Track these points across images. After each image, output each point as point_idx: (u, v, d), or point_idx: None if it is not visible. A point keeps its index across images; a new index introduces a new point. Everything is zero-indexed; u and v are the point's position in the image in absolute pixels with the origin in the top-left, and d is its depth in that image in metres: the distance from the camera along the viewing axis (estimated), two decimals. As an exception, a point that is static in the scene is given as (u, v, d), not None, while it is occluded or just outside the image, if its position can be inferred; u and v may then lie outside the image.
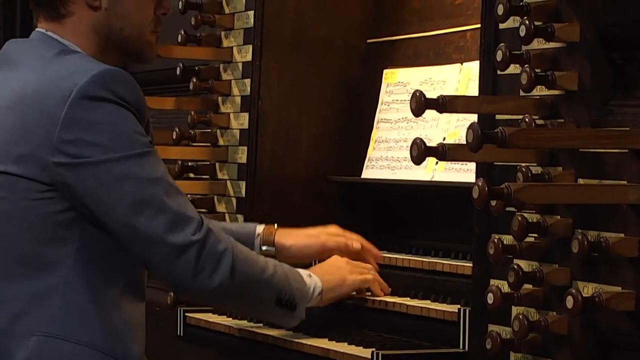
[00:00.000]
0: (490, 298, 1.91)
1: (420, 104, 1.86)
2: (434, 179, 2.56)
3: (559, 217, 1.90)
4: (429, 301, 2.34)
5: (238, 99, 2.86)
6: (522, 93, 1.96)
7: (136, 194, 2.01)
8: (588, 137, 1.83)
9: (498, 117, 2.03)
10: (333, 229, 2.51)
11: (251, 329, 2.48)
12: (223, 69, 2.90)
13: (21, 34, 3.82)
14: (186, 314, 2.66)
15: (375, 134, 2.79)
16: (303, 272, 2.30)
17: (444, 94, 1.90)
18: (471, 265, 2.10)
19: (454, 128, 2.56)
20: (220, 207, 2.87)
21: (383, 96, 2.80)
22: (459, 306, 2.19)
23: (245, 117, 2.82)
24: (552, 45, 1.94)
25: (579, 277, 1.87)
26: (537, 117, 1.95)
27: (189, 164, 2.88)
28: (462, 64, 2.59)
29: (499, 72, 2.01)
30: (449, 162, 2.51)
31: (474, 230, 2.06)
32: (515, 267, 1.90)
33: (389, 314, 2.35)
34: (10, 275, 2.05)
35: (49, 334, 2.03)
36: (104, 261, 2.07)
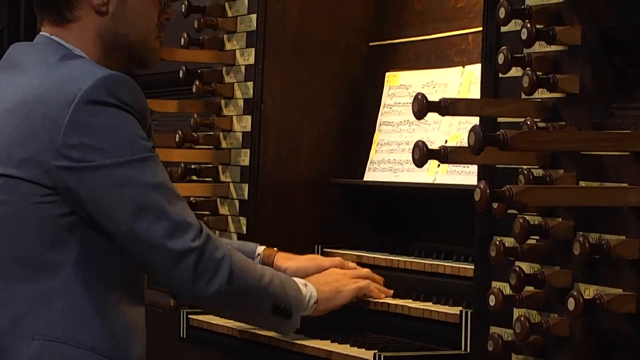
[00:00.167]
0: (492, 300, 1.91)
1: (422, 106, 1.87)
2: (435, 182, 2.57)
3: (560, 219, 1.91)
4: (430, 303, 2.35)
5: (241, 102, 2.86)
6: (523, 96, 1.96)
7: (137, 199, 2.02)
8: (589, 139, 1.83)
9: (500, 119, 2.04)
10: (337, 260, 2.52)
11: (253, 331, 2.48)
12: (226, 72, 2.91)
13: (25, 37, 3.83)
14: (189, 316, 2.67)
15: (377, 137, 2.80)
16: (299, 282, 2.32)
17: (446, 96, 1.90)
18: (473, 267, 2.10)
19: (455, 131, 2.56)
20: (223, 210, 2.88)
21: (385, 99, 2.81)
22: (460, 308, 2.20)
23: (247, 119, 2.83)
24: (553, 48, 1.94)
25: (581, 279, 1.87)
26: (538, 119, 1.95)
27: (192, 166, 2.89)
28: (464, 67, 2.60)
29: (500, 75, 2.02)
30: (451, 165, 2.51)
31: (476, 233, 2.07)
32: (517, 269, 1.90)
33: (391, 316, 2.36)
34: (11, 278, 2.05)
35: (49, 337, 2.03)
36: (104, 265, 2.07)
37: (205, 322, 2.62)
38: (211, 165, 2.90)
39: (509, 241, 1.92)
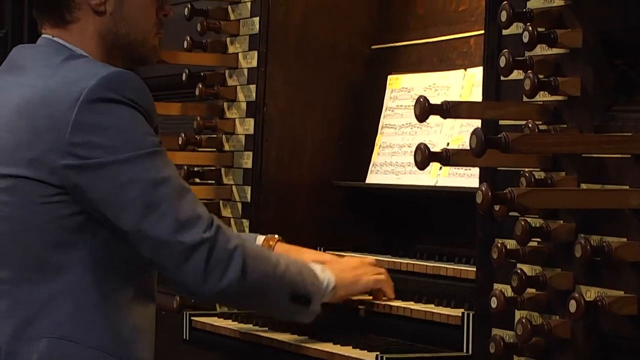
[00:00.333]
0: (493, 302, 1.92)
1: (424, 109, 1.87)
2: (437, 184, 2.57)
3: (562, 221, 1.91)
4: (433, 305, 2.35)
5: (243, 105, 2.87)
6: (525, 99, 1.97)
7: (146, 194, 2.02)
8: (591, 142, 1.83)
9: (501, 122, 2.04)
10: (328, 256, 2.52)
11: (256, 333, 2.49)
12: (228, 74, 2.92)
13: (29, 40, 3.83)
14: (192, 318, 2.68)
15: (379, 139, 2.80)
16: (316, 267, 2.28)
17: (448, 99, 1.90)
18: (475, 269, 2.11)
19: (457, 133, 2.57)
20: (226, 212, 2.88)
21: (387, 102, 2.81)
22: (462, 310, 2.20)
23: (250, 122, 2.84)
24: (555, 51, 1.94)
25: (582, 282, 1.88)
26: (540, 122, 1.95)
27: (195, 169, 2.89)
28: (465, 69, 2.60)
29: (502, 78, 2.02)
30: (453, 167, 2.52)
31: (478, 235, 2.07)
32: (519, 271, 1.91)
33: (394, 317, 2.36)
34: (21, 279, 2.06)
35: (58, 336, 2.04)
36: (114, 266, 2.07)
37: (208, 324, 2.63)
38: (214, 168, 2.91)
39: (511, 243, 1.93)
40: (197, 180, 2.91)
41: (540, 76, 1.92)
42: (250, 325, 2.56)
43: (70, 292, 2.05)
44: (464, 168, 2.50)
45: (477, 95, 2.48)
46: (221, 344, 2.58)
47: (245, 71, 2.86)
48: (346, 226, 2.83)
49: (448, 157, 1.86)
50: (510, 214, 1.91)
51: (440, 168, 2.56)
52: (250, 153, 2.82)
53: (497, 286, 2.01)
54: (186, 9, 2.86)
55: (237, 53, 2.89)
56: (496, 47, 2.04)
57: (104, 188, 2.02)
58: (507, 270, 1.95)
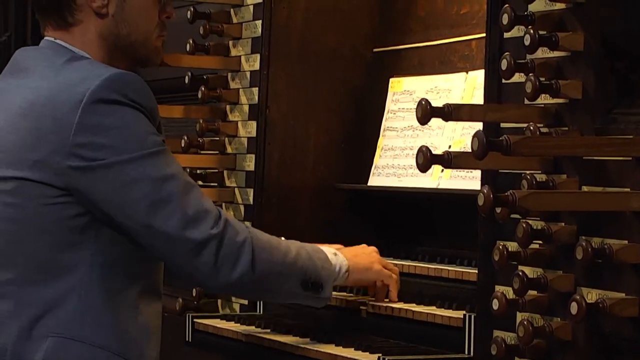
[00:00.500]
0: (495, 304, 1.92)
1: (426, 112, 1.88)
2: (439, 187, 2.58)
3: (563, 224, 1.92)
4: (434, 307, 2.36)
5: (246, 107, 2.88)
6: (526, 101, 1.97)
7: (152, 193, 2.03)
8: (592, 145, 1.84)
9: (503, 125, 2.05)
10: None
11: (259, 335, 2.50)
12: (231, 77, 2.93)
13: (32, 44, 3.84)
14: (194, 320, 2.68)
15: (381, 142, 2.81)
16: (328, 251, 2.28)
17: (450, 102, 1.91)
18: (476, 271, 2.12)
19: (459, 136, 2.57)
20: (228, 215, 2.89)
21: (389, 104, 2.82)
22: (464, 312, 2.20)
23: (253, 125, 2.85)
24: (556, 54, 1.95)
25: (583, 284, 1.88)
26: (541, 125, 1.96)
27: (198, 171, 2.90)
28: (467, 72, 2.61)
29: (503, 80, 2.03)
30: (455, 170, 2.53)
31: (479, 237, 2.08)
32: (520, 273, 1.91)
33: (395, 319, 2.37)
34: (28, 280, 2.06)
35: (64, 335, 2.04)
36: (119, 265, 2.08)
37: (211, 326, 2.63)
38: (217, 170, 2.92)
39: (512, 245, 1.93)
40: (200, 182, 2.91)
41: (542, 79, 1.93)
42: (253, 327, 2.57)
43: (76, 292, 2.05)
44: (465, 170, 2.50)
45: (478, 98, 2.49)
46: (224, 345, 2.59)
47: (248, 74, 2.87)
48: (348, 228, 2.83)
49: (450, 160, 1.87)
50: (512, 216, 1.91)
51: (442, 170, 2.57)
52: (253, 156, 2.83)
53: (499, 288, 2.02)
54: (189, 12, 2.87)
55: (240, 56, 2.90)
56: (498, 50, 2.05)
57: (109, 188, 2.03)
58: (508, 272, 1.96)
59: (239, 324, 2.62)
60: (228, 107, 2.93)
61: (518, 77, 1.97)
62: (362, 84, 2.91)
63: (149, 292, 2.13)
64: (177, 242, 2.04)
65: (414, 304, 2.40)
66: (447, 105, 1.89)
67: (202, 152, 2.92)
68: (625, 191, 1.83)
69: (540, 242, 1.93)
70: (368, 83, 2.91)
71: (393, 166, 2.75)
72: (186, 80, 2.91)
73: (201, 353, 2.69)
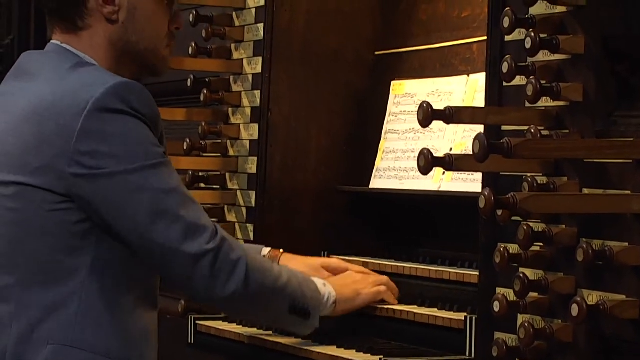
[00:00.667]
0: (496, 306, 1.93)
1: (427, 115, 1.89)
2: (441, 189, 2.59)
3: (564, 226, 1.92)
4: (436, 309, 2.36)
5: (248, 110, 2.89)
6: (527, 104, 1.98)
7: (151, 204, 2.04)
8: (592, 147, 1.85)
9: (504, 128, 2.05)
10: (334, 260, 2.54)
11: (261, 337, 2.50)
12: (233, 80, 2.94)
13: (35, 47, 3.86)
14: (197, 322, 2.69)
15: (383, 145, 2.82)
16: (318, 282, 2.32)
17: (451, 105, 1.92)
18: (477, 273, 2.12)
19: (460, 139, 2.58)
20: (231, 217, 2.90)
21: (391, 107, 2.83)
22: (465, 314, 2.21)
23: (255, 128, 2.85)
24: (557, 57, 1.96)
25: (584, 286, 1.89)
26: (542, 128, 1.96)
27: (200, 174, 2.91)
28: (468, 75, 2.62)
29: (504, 83, 2.03)
30: (456, 172, 2.53)
31: (480, 239, 2.08)
32: (521, 275, 1.92)
33: (397, 321, 2.37)
34: (27, 284, 2.07)
35: (64, 342, 2.05)
36: (119, 271, 2.09)
37: (213, 328, 2.64)
38: (219, 173, 2.93)
39: (513, 248, 1.94)
40: (202, 185, 2.92)
41: (543, 82, 1.93)
42: (255, 329, 2.57)
43: (76, 296, 2.06)
44: (466, 173, 2.51)
45: (479, 101, 2.50)
46: (226, 347, 2.59)
47: (250, 77, 2.88)
48: (350, 231, 2.84)
49: (451, 162, 1.88)
50: (513, 218, 1.92)
51: (444, 173, 2.57)
52: (255, 158, 2.84)
53: (500, 290, 2.02)
54: (191, 15, 2.88)
55: (242, 59, 2.91)
56: (499, 53, 2.06)
57: (109, 197, 2.04)
58: (509, 274, 1.96)
59: (241, 326, 2.62)
60: (230, 109, 2.94)
61: (519, 80, 1.98)
62: (363, 86, 2.92)
63: (147, 299, 2.14)
64: (173, 255, 2.05)
65: (416, 306, 2.41)
66: (449, 108, 1.89)
67: (205, 154, 2.92)
68: (626, 193, 1.84)
69: (541, 244, 1.94)
70: (370, 86, 2.91)
71: (394, 169, 2.76)
72: (188, 83, 2.92)
73: (203, 355, 2.70)
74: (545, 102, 1.97)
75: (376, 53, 2.92)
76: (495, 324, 2.04)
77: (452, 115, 1.89)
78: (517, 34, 2.00)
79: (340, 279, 2.41)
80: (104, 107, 2.04)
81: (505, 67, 1.95)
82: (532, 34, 1.92)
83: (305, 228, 2.83)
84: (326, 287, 2.32)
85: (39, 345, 2.05)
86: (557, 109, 1.96)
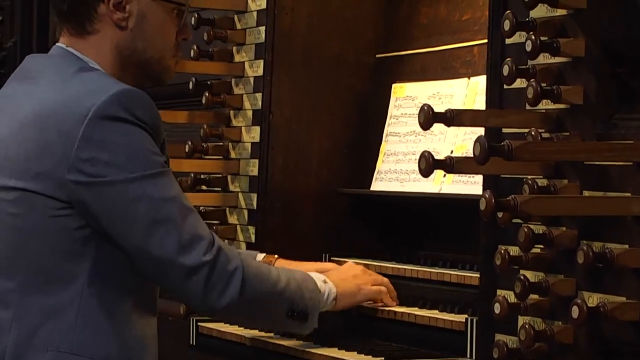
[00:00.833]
0: (497, 308, 1.93)
1: (428, 117, 1.89)
2: (441, 191, 2.59)
3: (564, 228, 1.93)
4: (437, 311, 2.37)
5: (249, 113, 2.89)
6: (528, 107, 1.98)
7: (150, 214, 2.04)
8: (593, 150, 1.85)
9: (504, 130, 2.06)
10: (330, 264, 2.54)
11: (263, 339, 2.51)
12: (235, 83, 2.94)
13: (38, 50, 3.86)
14: (199, 324, 2.70)
15: (384, 147, 2.83)
16: (318, 279, 2.31)
17: (452, 107, 1.92)
18: (478, 275, 2.12)
19: (461, 141, 2.59)
20: (232, 219, 2.91)
21: (392, 110, 2.83)
22: (466, 316, 2.22)
23: (256, 130, 2.86)
24: (557, 60, 1.96)
25: (584, 288, 1.89)
26: (542, 130, 1.97)
27: (202, 176, 2.91)
28: (469, 78, 2.62)
29: (505, 86, 2.04)
30: (457, 175, 2.54)
31: (481, 242, 2.09)
32: (522, 277, 1.92)
33: (398, 323, 2.38)
34: (27, 289, 2.07)
35: (62, 349, 2.05)
36: (118, 277, 2.09)
37: (215, 330, 2.65)
38: (220, 175, 2.93)
39: (514, 250, 1.94)
40: (204, 187, 2.93)
41: (543, 84, 1.94)
42: (257, 331, 2.58)
43: (75, 303, 2.06)
44: (467, 175, 2.52)
45: (480, 104, 2.51)
46: (228, 349, 2.60)
47: (252, 80, 2.89)
48: (351, 233, 2.85)
49: (452, 165, 1.88)
50: (514, 220, 1.92)
51: (444, 175, 2.58)
52: (256, 161, 2.85)
53: (501, 292, 2.03)
54: (193, 18, 2.88)
55: (244, 62, 2.91)
56: (499, 56, 2.06)
57: (108, 205, 2.04)
58: (510, 276, 1.97)
59: (242, 328, 2.63)
60: (232, 112, 2.95)
61: (519, 83, 1.98)
62: (365, 89, 2.93)
63: (146, 305, 2.15)
64: (169, 266, 2.05)
65: (417, 308, 2.41)
66: (449, 111, 1.90)
67: (206, 157, 2.93)
68: (626, 196, 1.84)
69: (542, 246, 1.94)
70: (371, 89, 2.92)
71: (396, 171, 2.76)
72: (190, 86, 2.93)
73: (205, 356, 2.70)
74: (545, 105, 1.97)
75: (377, 56, 2.93)
76: (495, 326, 2.04)
77: (453, 118, 1.90)
78: (518, 37, 2.00)
79: (340, 273, 2.40)
80: (105, 114, 2.04)
81: (505, 70, 1.95)
82: (533, 37, 1.92)
83: (306, 230, 2.83)
84: (327, 284, 2.31)
85: (38, 350, 2.06)
86: (558, 112, 1.97)
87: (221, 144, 2.94)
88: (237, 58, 2.93)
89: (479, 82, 2.56)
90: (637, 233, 1.82)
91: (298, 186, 2.85)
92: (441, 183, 2.60)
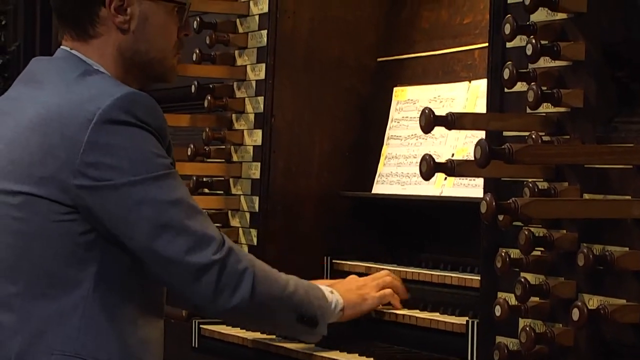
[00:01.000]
0: (497, 310, 1.94)
1: (429, 121, 1.90)
2: (442, 194, 2.60)
3: (564, 231, 1.93)
4: (438, 313, 2.37)
5: (251, 116, 2.90)
6: (528, 110, 1.99)
7: (156, 217, 2.04)
8: (593, 153, 1.86)
9: (505, 133, 2.06)
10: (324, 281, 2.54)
11: (265, 341, 2.51)
12: (237, 86, 2.95)
13: (41, 53, 3.87)
14: (201, 326, 2.70)
15: (385, 150, 2.83)
16: (325, 289, 2.31)
17: (453, 111, 1.93)
18: (479, 278, 2.13)
19: (462, 144, 2.59)
20: (234, 222, 2.91)
21: (393, 113, 2.84)
22: (467, 318, 2.22)
23: (258, 133, 2.87)
24: (558, 63, 1.97)
25: (585, 290, 1.90)
26: (543, 133, 1.97)
27: (204, 179, 2.92)
28: (470, 82, 2.63)
29: (506, 89, 2.04)
30: (458, 178, 2.54)
31: (482, 244, 2.09)
32: (522, 280, 1.93)
33: (399, 326, 2.39)
34: (31, 294, 2.07)
35: (67, 353, 2.05)
36: (123, 281, 2.09)
37: (217, 332, 2.65)
38: (223, 178, 2.94)
39: (515, 252, 1.95)
40: (206, 190, 2.94)
41: (544, 88, 1.94)
42: (259, 334, 2.58)
43: (80, 307, 2.06)
44: (468, 178, 2.52)
45: (481, 107, 2.51)
46: (230, 351, 2.60)
47: (254, 83, 2.90)
48: (352, 236, 2.85)
49: (453, 168, 1.89)
50: (514, 223, 1.92)
51: (445, 178, 2.59)
52: (259, 164, 2.85)
53: (501, 295, 2.03)
54: (195, 22, 2.89)
55: (246, 65, 2.92)
56: (500, 60, 2.07)
57: (115, 209, 2.04)
58: (511, 279, 1.97)
59: (244, 330, 2.63)
60: (234, 115, 2.95)
61: (520, 86, 1.99)
62: (366, 93, 2.93)
63: (151, 309, 2.14)
64: (178, 267, 2.05)
65: (418, 310, 2.42)
66: (450, 114, 1.91)
67: (209, 160, 2.94)
68: (626, 199, 1.85)
69: (542, 249, 1.95)
70: (372, 92, 2.93)
71: (397, 174, 2.77)
72: (193, 90, 2.93)
73: (207, 359, 2.71)
74: (546, 108, 1.98)
75: (379, 59, 2.94)
76: (496, 328, 2.05)
77: (454, 121, 1.91)
78: (518, 41, 2.01)
79: (344, 284, 2.41)
80: (110, 119, 2.04)
81: (506, 74, 1.96)
82: (533, 41, 1.93)
83: (308, 233, 2.84)
84: (333, 295, 2.32)
85: (42, 355, 2.05)
86: (558, 115, 1.97)
87: (223, 147, 2.94)
88: (239, 61, 2.94)
89: (480, 86, 2.57)
90: (637, 236, 1.83)
91: (300, 189, 2.86)
92: (442, 186, 2.61)
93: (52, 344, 2.06)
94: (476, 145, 1.81)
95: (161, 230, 2.04)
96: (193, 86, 2.93)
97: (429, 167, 1.88)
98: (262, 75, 2.86)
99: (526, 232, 1.89)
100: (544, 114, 1.99)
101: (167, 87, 2.92)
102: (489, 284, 2.08)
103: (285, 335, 2.45)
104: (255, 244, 2.82)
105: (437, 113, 1.90)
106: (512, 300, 1.95)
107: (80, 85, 2.11)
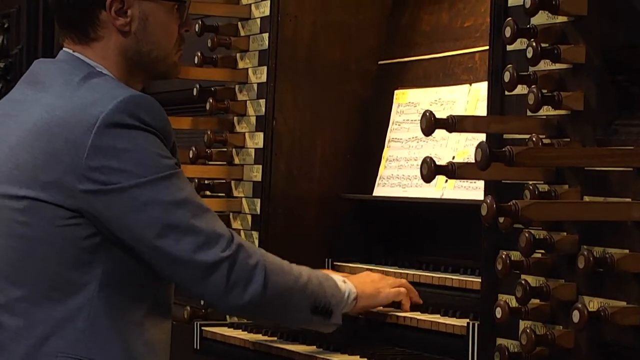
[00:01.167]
0: (498, 312, 1.94)
1: (430, 123, 1.90)
2: (443, 197, 2.60)
3: (565, 233, 1.94)
4: (438, 315, 2.38)
5: (253, 119, 2.91)
6: (529, 113, 1.99)
7: (163, 217, 2.03)
8: (593, 156, 1.86)
9: (506, 136, 2.07)
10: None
11: (266, 343, 2.52)
12: (238, 89, 2.96)
13: (43, 55, 3.87)
14: (202, 328, 2.70)
15: (386, 153, 2.84)
16: (337, 278, 2.30)
17: (453, 114, 1.94)
18: (480, 280, 2.14)
19: (463, 147, 2.60)
20: (236, 224, 2.92)
21: (394, 116, 2.85)
22: (467, 320, 2.22)
23: (260, 136, 2.88)
24: (558, 66, 1.97)
25: (585, 292, 1.90)
26: (543, 136, 1.98)
27: (206, 182, 2.93)
28: (470, 84, 2.63)
29: (506, 92, 2.05)
30: (458, 180, 2.55)
31: (483, 247, 2.10)
32: (523, 282, 1.93)
33: (400, 328, 2.39)
34: (37, 298, 2.07)
35: (72, 356, 2.05)
36: (128, 284, 2.09)
37: (219, 334, 2.66)
38: (224, 181, 2.95)
39: (515, 255, 1.95)
40: (208, 193, 2.94)
41: (544, 91, 1.95)
42: (260, 335, 2.59)
43: (85, 311, 2.06)
44: (469, 181, 2.53)
45: (482, 110, 2.52)
46: (232, 353, 2.61)
47: (255, 86, 2.90)
48: (354, 238, 2.86)
49: (453, 170, 1.89)
50: (515, 225, 1.93)
51: (446, 181, 2.59)
52: (260, 166, 2.86)
53: (502, 297, 2.04)
54: (197, 25, 2.90)
55: (247, 68, 2.93)
56: (501, 63, 2.07)
57: (121, 212, 2.04)
58: (511, 281, 1.97)
59: (246, 332, 2.64)
60: (235, 118, 2.96)
61: (521, 89, 1.99)
62: (367, 95, 2.94)
63: (159, 309, 2.14)
64: (187, 266, 2.05)
65: (419, 313, 2.42)
66: (451, 117, 1.91)
67: (210, 162, 2.95)
68: (627, 201, 1.85)
69: (543, 251, 1.95)
70: (373, 95, 2.93)
71: (398, 177, 2.78)
72: (194, 92, 2.94)
73: (209, 361, 2.72)
74: (546, 111, 1.98)
75: (380, 62, 2.94)
76: (497, 330, 2.05)
77: (455, 124, 1.91)
78: (519, 44, 2.01)
79: (358, 277, 2.39)
80: (113, 122, 2.04)
81: (507, 77, 1.96)
82: (534, 44, 1.93)
83: (309, 235, 2.85)
84: (346, 284, 2.30)
85: (48, 358, 2.05)
86: (558, 118, 1.98)
87: (225, 149, 2.95)
88: (240, 65, 2.95)
89: (481, 89, 2.57)
90: (637, 238, 1.83)
91: (301, 191, 2.86)
92: (443, 188, 2.61)
93: (57, 347, 2.06)
94: (477, 147, 1.82)
95: (169, 230, 2.04)
96: (195, 89, 2.93)
97: (429, 170, 1.88)
98: (264, 78, 2.86)
99: (527, 235, 1.90)
100: (545, 117, 1.99)
101: (169, 89, 2.94)
102: (490, 286, 2.08)
103: (300, 327, 2.40)
104: (257, 246, 2.82)
105: (437, 116, 1.91)
106: (513, 302, 1.95)
107: (83, 88, 2.11)
